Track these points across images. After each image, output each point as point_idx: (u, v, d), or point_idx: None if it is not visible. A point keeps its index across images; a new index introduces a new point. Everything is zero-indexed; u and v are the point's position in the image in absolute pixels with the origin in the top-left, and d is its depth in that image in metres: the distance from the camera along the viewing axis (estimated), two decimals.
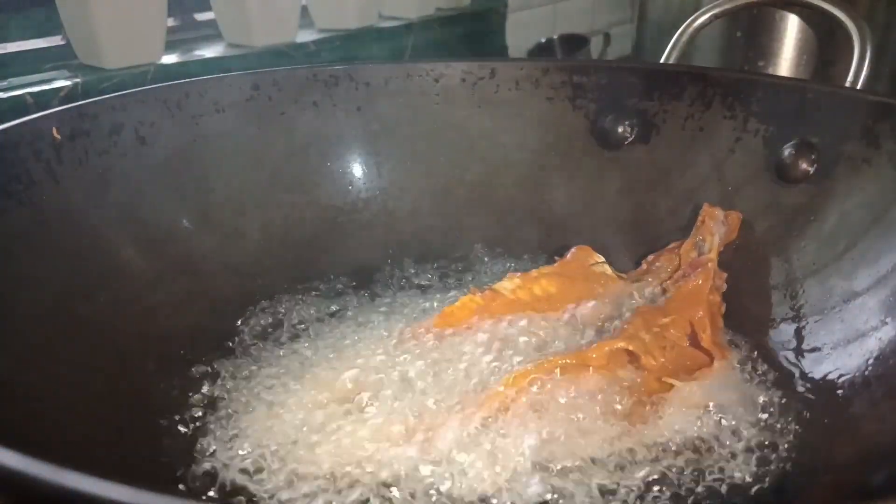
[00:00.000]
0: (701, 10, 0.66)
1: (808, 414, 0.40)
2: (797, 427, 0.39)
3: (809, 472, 0.36)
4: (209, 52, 0.76)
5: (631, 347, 0.41)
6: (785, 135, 0.50)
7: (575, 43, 1.11)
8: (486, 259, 0.57)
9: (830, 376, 0.41)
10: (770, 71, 0.72)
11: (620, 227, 0.56)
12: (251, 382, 0.43)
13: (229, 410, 0.40)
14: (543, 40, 1.12)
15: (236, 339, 0.47)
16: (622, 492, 0.35)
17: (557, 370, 0.39)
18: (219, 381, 0.43)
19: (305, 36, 0.82)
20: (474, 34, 0.99)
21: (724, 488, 0.35)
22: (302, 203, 0.55)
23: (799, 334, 0.45)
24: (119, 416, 0.37)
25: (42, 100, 0.61)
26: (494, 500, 0.34)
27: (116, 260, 0.45)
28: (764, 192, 0.50)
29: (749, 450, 0.37)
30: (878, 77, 0.71)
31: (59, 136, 0.43)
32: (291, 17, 0.79)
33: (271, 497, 0.35)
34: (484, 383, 0.40)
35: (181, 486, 0.35)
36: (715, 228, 0.49)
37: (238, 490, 0.35)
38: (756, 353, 0.45)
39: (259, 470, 0.36)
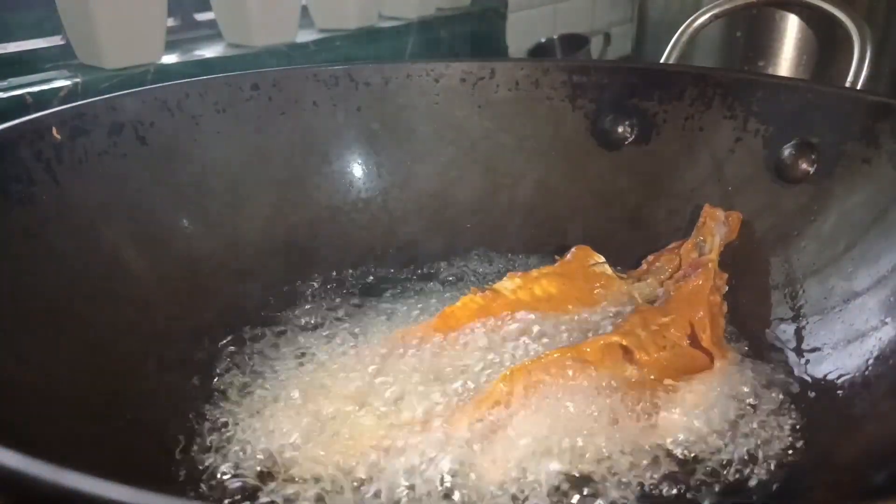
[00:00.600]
0: (701, 10, 0.66)
1: (808, 414, 0.40)
2: (797, 427, 0.39)
3: (809, 472, 0.36)
4: (209, 52, 0.76)
5: (625, 342, 0.41)
6: (785, 135, 0.50)
7: (575, 43, 1.11)
8: (486, 259, 0.57)
9: (830, 376, 0.41)
10: (770, 71, 0.72)
11: (620, 227, 0.56)
12: (251, 383, 0.43)
13: (229, 411, 0.40)
14: (543, 40, 1.12)
15: (236, 338, 0.47)
16: (622, 491, 0.35)
17: (554, 365, 0.39)
18: (219, 382, 0.43)
19: (305, 36, 0.82)
20: (474, 34, 0.99)
21: (723, 488, 0.35)
22: (302, 203, 0.55)
23: (799, 334, 0.45)
24: (119, 416, 0.37)
25: (42, 100, 0.61)
26: (498, 495, 0.34)
27: (116, 260, 0.45)
28: (764, 192, 0.50)
29: (749, 450, 0.37)
30: (878, 77, 0.71)
31: (59, 136, 0.43)
32: (291, 17, 0.79)
33: (272, 497, 0.35)
34: (484, 382, 0.40)
35: (181, 486, 0.35)
36: (716, 229, 0.49)
37: (238, 490, 0.35)
38: (756, 353, 0.45)
39: (259, 470, 0.36)
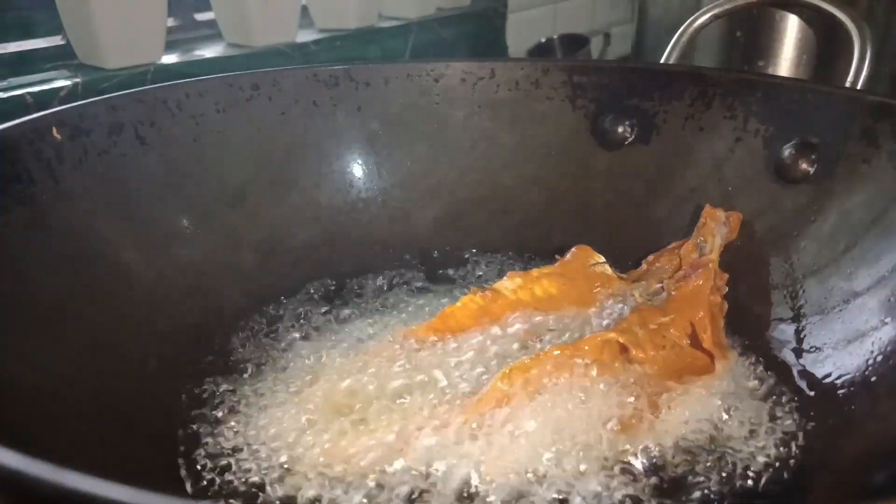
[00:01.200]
0: (701, 10, 0.66)
1: (808, 414, 0.40)
2: (797, 427, 0.39)
3: (810, 472, 0.36)
4: (209, 52, 0.76)
5: (622, 340, 0.41)
6: (785, 135, 0.50)
7: (575, 43, 1.11)
8: (486, 259, 0.57)
9: (830, 376, 0.41)
10: (770, 71, 0.72)
11: (621, 226, 0.56)
12: (251, 383, 0.43)
13: (229, 411, 0.40)
14: (543, 40, 1.12)
15: (236, 339, 0.47)
16: (622, 491, 0.35)
17: (553, 363, 0.39)
18: (219, 382, 0.43)
19: (305, 36, 0.82)
20: (474, 34, 1.00)
21: (723, 488, 0.35)
22: (302, 203, 0.55)
23: (799, 334, 0.45)
24: (119, 417, 0.37)
25: (42, 100, 0.61)
26: (498, 495, 0.34)
27: (117, 260, 0.45)
28: (764, 192, 0.50)
29: (749, 450, 0.37)
30: (878, 77, 0.71)
31: (59, 136, 0.43)
32: (291, 17, 0.79)
33: (272, 497, 0.35)
34: (484, 381, 0.40)
35: (181, 486, 0.35)
36: (716, 229, 0.49)
37: (238, 490, 0.35)
38: (756, 353, 0.45)
39: (259, 470, 0.36)
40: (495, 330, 0.44)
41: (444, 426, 0.37)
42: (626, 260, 0.53)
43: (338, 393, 0.40)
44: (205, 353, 0.45)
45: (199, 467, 0.37)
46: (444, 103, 0.58)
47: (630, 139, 0.56)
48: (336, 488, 0.35)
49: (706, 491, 0.35)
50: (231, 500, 0.35)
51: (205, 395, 0.42)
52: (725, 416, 0.39)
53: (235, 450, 0.37)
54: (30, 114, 0.43)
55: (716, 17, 0.66)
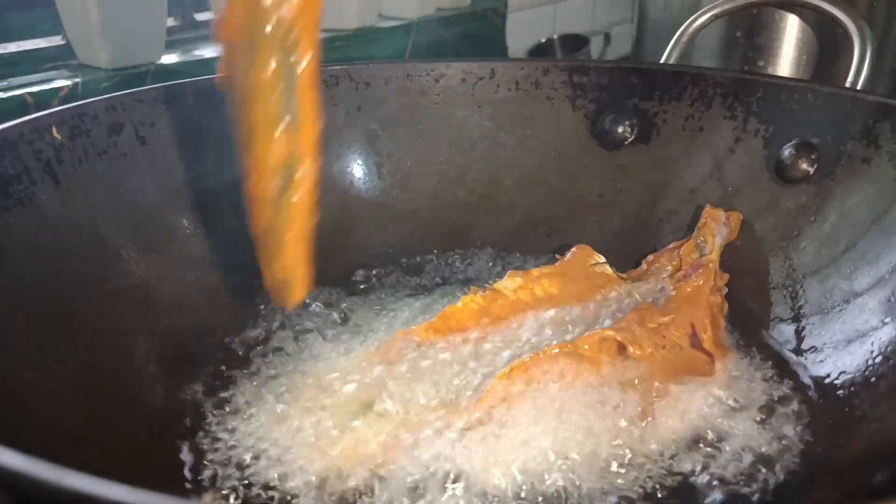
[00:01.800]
0: (701, 10, 0.66)
1: (808, 414, 0.40)
2: (797, 427, 0.39)
3: (810, 472, 0.36)
4: (209, 52, 0.76)
5: (619, 337, 0.41)
6: (785, 135, 0.50)
7: (575, 43, 1.11)
8: (486, 259, 0.57)
9: (830, 376, 0.41)
10: (770, 71, 0.72)
11: (621, 227, 0.56)
12: (251, 383, 0.43)
13: (230, 411, 0.40)
14: (543, 40, 1.12)
15: (236, 339, 0.47)
16: (622, 491, 0.35)
17: (552, 362, 0.39)
18: (219, 382, 0.43)
19: None
20: (474, 34, 0.99)
21: (723, 488, 0.35)
22: None
23: (799, 334, 0.45)
24: (119, 417, 0.37)
25: (42, 100, 0.61)
26: (498, 494, 0.34)
27: (116, 260, 0.45)
28: (764, 192, 0.50)
29: (749, 450, 0.37)
30: (878, 77, 0.71)
31: (59, 136, 0.43)
32: None
33: (272, 497, 0.35)
34: (484, 381, 0.40)
35: (181, 486, 0.35)
36: (717, 230, 0.49)
37: (238, 490, 0.35)
38: (756, 353, 0.45)
39: (259, 470, 0.36)
40: (495, 330, 0.44)
41: (444, 426, 0.37)
42: (626, 260, 0.53)
43: (338, 393, 0.40)
44: (205, 354, 0.45)
45: (198, 467, 0.37)
46: (444, 103, 0.58)
47: (630, 139, 0.56)
48: (337, 488, 0.35)
49: (705, 491, 0.35)
50: (231, 500, 0.35)
51: (204, 395, 0.42)
52: (725, 416, 0.39)
53: (236, 450, 0.37)
54: (30, 114, 0.43)
55: (716, 17, 0.66)
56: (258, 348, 0.46)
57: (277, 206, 0.38)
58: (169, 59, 0.71)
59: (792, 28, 0.71)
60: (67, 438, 0.33)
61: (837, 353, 0.42)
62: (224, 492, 0.35)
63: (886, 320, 0.40)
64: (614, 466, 0.36)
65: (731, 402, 0.40)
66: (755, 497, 0.35)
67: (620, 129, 0.56)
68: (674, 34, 0.66)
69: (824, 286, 0.45)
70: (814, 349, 0.44)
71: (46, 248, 0.40)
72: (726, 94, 0.52)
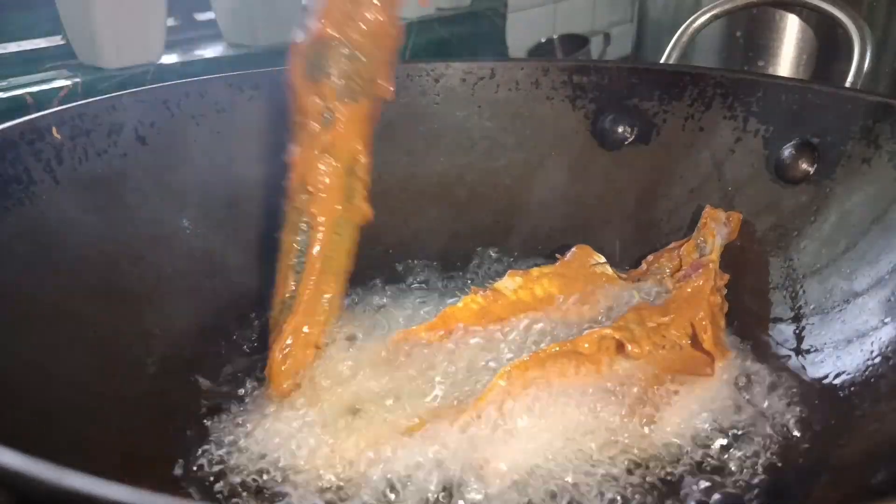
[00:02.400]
0: (701, 10, 0.66)
1: (808, 414, 0.40)
2: (797, 427, 0.39)
3: (810, 472, 0.36)
4: (209, 52, 0.76)
5: (617, 336, 0.41)
6: (785, 135, 0.50)
7: (575, 43, 1.11)
8: (486, 259, 0.56)
9: (830, 376, 0.41)
10: (770, 71, 0.72)
11: (620, 227, 0.56)
12: (251, 383, 0.43)
13: (228, 412, 0.40)
14: (543, 40, 1.12)
15: (236, 339, 0.47)
16: (622, 491, 0.35)
17: (552, 361, 0.39)
18: (219, 382, 0.43)
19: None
20: (474, 34, 1.00)
21: (723, 488, 0.35)
22: None
23: (799, 334, 0.45)
24: (119, 417, 0.37)
25: (42, 100, 0.61)
26: (498, 494, 0.34)
27: (116, 260, 0.45)
28: (764, 192, 0.50)
29: (748, 450, 0.37)
30: (878, 77, 0.71)
31: (59, 136, 0.43)
32: (292, 17, 0.79)
33: (272, 497, 0.35)
34: (484, 380, 0.40)
35: (181, 487, 0.35)
36: (717, 230, 0.49)
37: (237, 491, 0.35)
38: (756, 353, 0.45)
39: (259, 470, 0.36)
40: (496, 329, 0.44)
41: (445, 425, 0.37)
42: (626, 260, 0.53)
43: (339, 393, 0.40)
44: (205, 354, 0.45)
45: (199, 467, 0.37)
46: (444, 103, 0.58)
47: (630, 139, 0.56)
48: (337, 488, 0.35)
49: (705, 490, 0.35)
50: (231, 500, 0.35)
51: (205, 396, 0.42)
52: (724, 416, 0.39)
53: (236, 450, 0.37)
54: (30, 114, 0.43)
55: (716, 17, 0.66)
56: (258, 349, 0.46)
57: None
58: (169, 59, 0.71)
59: (792, 28, 0.71)
60: (67, 438, 0.33)
61: (837, 353, 0.42)
62: (224, 492, 0.35)
63: (886, 320, 0.40)
64: (614, 465, 0.36)
65: (730, 401, 0.40)
66: (755, 497, 0.35)
67: (620, 129, 0.56)
68: (674, 34, 0.66)
69: (824, 286, 0.45)
70: (814, 349, 0.44)
71: (46, 248, 0.40)
72: (726, 94, 0.52)
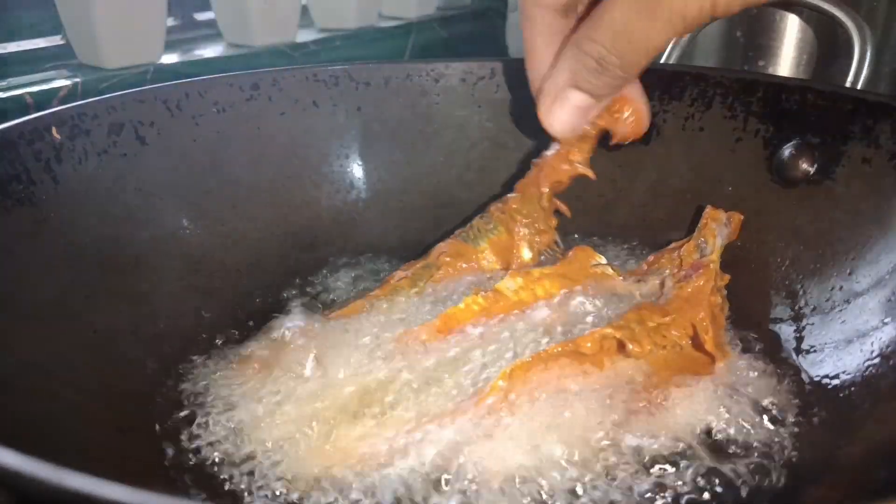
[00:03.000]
0: None
1: (808, 414, 0.40)
2: (797, 427, 0.39)
3: (810, 472, 0.36)
4: (209, 52, 0.76)
5: (618, 335, 0.41)
6: (785, 135, 0.50)
7: None
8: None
9: (830, 376, 0.41)
10: (770, 71, 0.72)
11: (620, 227, 0.56)
12: (252, 384, 0.43)
13: (228, 412, 0.40)
14: None
15: (236, 339, 0.47)
16: (622, 490, 0.35)
17: (553, 361, 0.39)
18: (220, 383, 0.43)
19: (305, 36, 0.83)
20: (474, 34, 1.00)
21: (723, 489, 0.35)
22: (302, 203, 0.55)
23: (799, 334, 0.45)
24: (119, 416, 0.37)
25: (42, 100, 0.61)
26: (498, 495, 0.34)
27: (116, 260, 0.45)
28: (764, 192, 0.50)
29: (749, 450, 0.37)
30: (878, 77, 0.71)
31: (59, 136, 0.43)
32: (291, 16, 0.79)
33: (273, 497, 0.35)
34: (484, 381, 0.40)
35: (181, 487, 0.35)
36: (717, 230, 0.49)
37: (237, 490, 0.35)
38: (756, 353, 0.45)
39: (260, 471, 0.36)
40: (496, 329, 0.44)
41: (445, 425, 0.37)
42: (626, 260, 0.53)
43: (338, 393, 0.40)
44: (205, 354, 0.45)
45: (197, 468, 0.37)
46: (444, 103, 0.58)
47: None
48: (337, 487, 0.35)
49: (705, 490, 0.35)
50: (231, 500, 0.35)
51: (205, 396, 0.42)
52: (724, 416, 0.39)
53: (236, 449, 0.37)
54: (30, 114, 0.43)
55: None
56: (258, 349, 0.46)
57: None
58: (169, 59, 0.71)
59: (792, 28, 0.71)
60: (67, 438, 0.33)
61: (837, 353, 0.42)
62: (224, 492, 0.35)
63: (886, 320, 0.40)
64: (614, 464, 0.36)
65: (729, 401, 0.40)
66: (755, 497, 0.35)
67: None
68: None
69: (824, 286, 0.45)
70: (814, 349, 0.44)
71: (46, 248, 0.40)
72: (726, 94, 0.52)
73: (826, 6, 0.61)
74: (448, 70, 0.58)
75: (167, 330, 0.45)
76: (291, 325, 0.48)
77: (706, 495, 0.35)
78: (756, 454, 0.37)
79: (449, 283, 0.49)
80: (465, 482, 0.35)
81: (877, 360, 0.39)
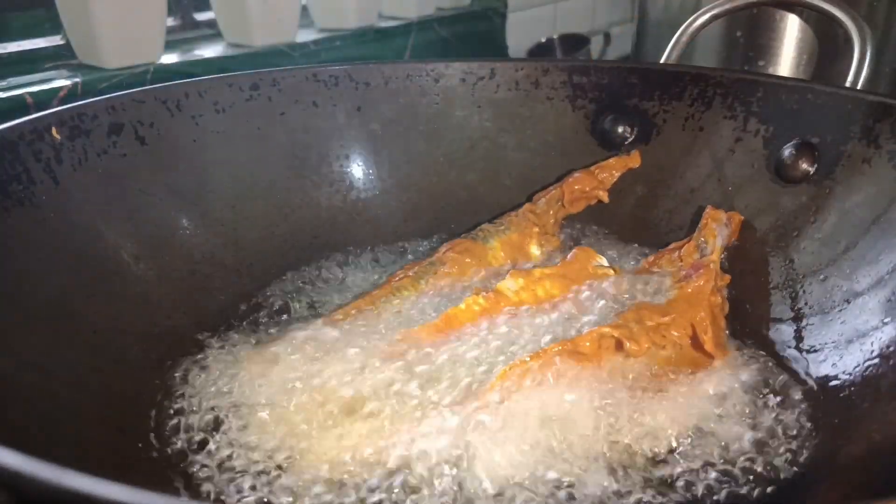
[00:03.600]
0: (701, 10, 0.66)
1: (809, 414, 0.40)
2: (798, 427, 0.39)
3: (811, 472, 0.36)
4: (209, 52, 0.76)
5: (616, 334, 0.41)
6: (785, 135, 0.50)
7: (575, 43, 1.11)
8: None
9: (831, 376, 0.41)
10: (770, 71, 0.72)
11: (621, 227, 0.56)
12: (252, 384, 0.43)
13: (229, 412, 0.40)
14: (543, 40, 1.12)
15: (236, 339, 0.47)
16: (622, 490, 0.35)
17: (552, 360, 0.39)
18: (220, 382, 0.43)
19: (305, 36, 0.83)
20: (474, 34, 1.00)
21: (724, 489, 0.35)
22: (302, 203, 0.55)
23: (799, 334, 0.45)
24: (119, 416, 0.37)
25: (42, 100, 0.61)
26: (499, 495, 0.34)
27: (116, 260, 0.45)
28: (764, 192, 0.50)
29: (749, 450, 0.37)
30: (878, 77, 0.71)
31: (59, 136, 0.43)
32: (291, 17, 0.79)
33: (273, 497, 0.35)
34: (485, 380, 0.40)
35: (181, 486, 0.35)
36: (718, 231, 0.49)
37: (237, 490, 0.35)
38: (756, 353, 0.45)
39: (260, 471, 0.36)
40: (496, 329, 0.44)
41: (445, 424, 0.37)
42: (626, 260, 0.53)
43: (339, 392, 0.40)
44: (205, 354, 0.45)
45: (199, 467, 0.37)
46: (444, 103, 0.58)
47: (630, 139, 0.56)
48: (337, 486, 0.35)
49: (704, 490, 0.35)
50: (231, 500, 0.35)
51: (205, 396, 0.42)
52: (724, 416, 0.39)
53: (234, 451, 0.37)
54: (30, 114, 0.43)
55: (716, 17, 0.65)
56: (258, 348, 0.46)
57: None
58: (169, 59, 0.71)
59: (792, 28, 0.71)
60: (67, 438, 0.33)
61: (837, 353, 0.42)
62: (224, 492, 0.35)
63: (886, 320, 0.40)
64: (613, 463, 0.36)
65: (729, 401, 0.40)
66: (755, 497, 0.35)
67: (620, 129, 0.56)
68: (674, 34, 0.66)
69: (824, 286, 0.45)
70: (814, 349, 0.44)
71: (46, 248, 0.40)
72: (726, 94, 0.52)
73: (826, 6, 0.61)
74: (448, 70, 0.58)
75: (167, 330, 0.45)
76: (292, 325, 0.48)
77: (706, 496, 0.35)
78: (755, 454, 0.37)
79: (451, 281, 0.49)
80: (465, 480, 0.35)
81: (877, 360, 0.39)
